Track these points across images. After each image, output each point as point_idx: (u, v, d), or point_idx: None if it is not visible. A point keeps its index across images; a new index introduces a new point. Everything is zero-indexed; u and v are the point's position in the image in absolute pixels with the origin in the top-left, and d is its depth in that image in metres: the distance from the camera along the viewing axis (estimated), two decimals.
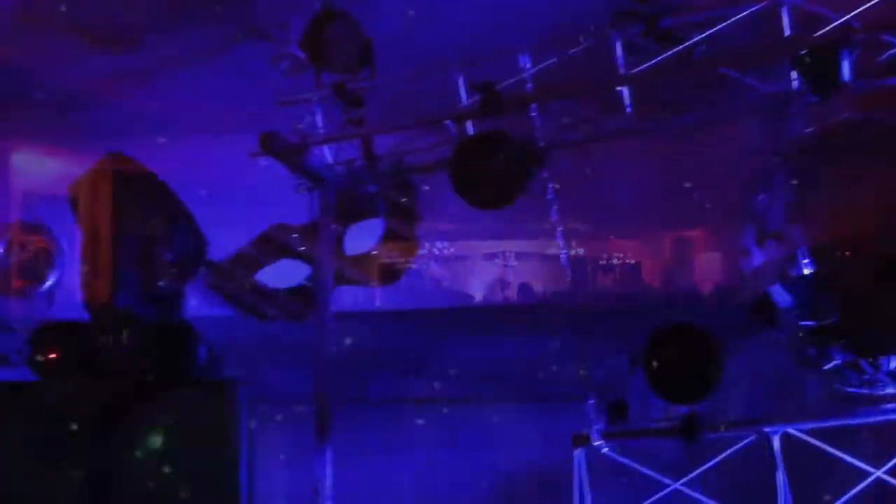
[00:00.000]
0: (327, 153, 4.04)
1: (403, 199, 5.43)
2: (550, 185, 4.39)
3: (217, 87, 5.37)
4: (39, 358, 3.54)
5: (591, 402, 4.61)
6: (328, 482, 3.74)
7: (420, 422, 7.38)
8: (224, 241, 5.55)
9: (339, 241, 5.32)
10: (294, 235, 5.51)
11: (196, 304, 3.85)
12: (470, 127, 3.67)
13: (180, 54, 5.18)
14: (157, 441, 3.37)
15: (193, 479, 3.37)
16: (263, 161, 4.54)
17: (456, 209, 5.51)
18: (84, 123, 5.58)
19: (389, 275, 5.53)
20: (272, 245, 5.60)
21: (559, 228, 4.56)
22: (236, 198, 5.53)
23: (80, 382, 3.50)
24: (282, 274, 5.57)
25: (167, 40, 5.08)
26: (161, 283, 3.71)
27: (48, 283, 5.07)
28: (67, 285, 4.81)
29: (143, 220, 3.63)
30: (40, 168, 5.56)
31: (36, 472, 3.36)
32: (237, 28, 4.96)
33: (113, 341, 3.50)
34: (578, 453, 4.67)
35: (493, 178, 3.49)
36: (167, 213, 3.72)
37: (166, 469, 3.36)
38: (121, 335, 3.51)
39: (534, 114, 3.72)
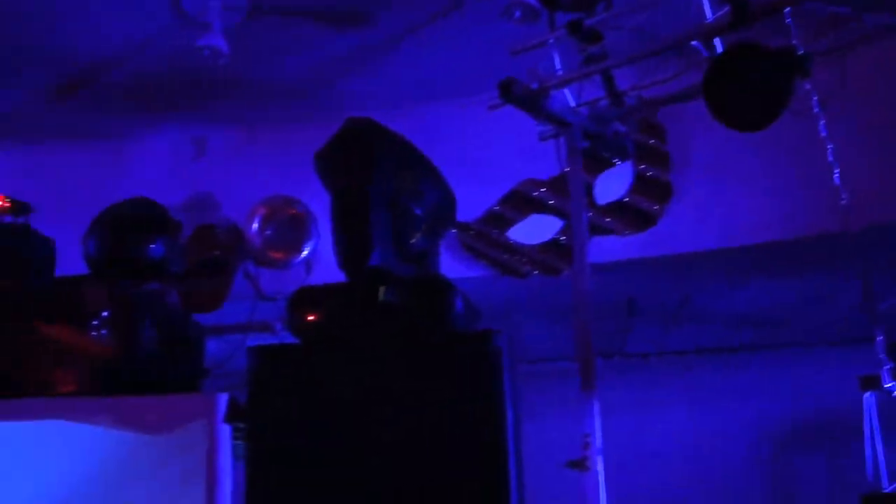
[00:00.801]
0: (569, 96, 3.89)
1: (652, 140, 5.21)
2: (815, 98, 4.06)
3: (448, 53, 5.35)
4: (299, 321, 3.58)
5: (880, 339, 4.26)
6: (597, 435, 3.59)
7: (683, 373, 7.15)
8: (472, 203, 5.55)
9: (590, 190, 5.18)
10: (543, 189, 5.42)
11: (450, 267, 3.79)
12: (719, 45, 3.41)
13: (408, 26, 5.19)
14: (419, 395, 3.33)
15: (457, 434, 3.29)
16: (504, 118, 4.46)
17: (709, 146, 5.24)
18: (324, 104, 5.70)
19: (644, 221, 5.33)
20: (522, 201, 5.54)
21: (829, 146, 4.18)
22: (479, 159, 5.49)
23: (340, 343, 3.50)
24: (534, 229, 5.51)
25: (393, 15, 5.11)
26: (413, 240, 3.69)
27: (305, 252, 5.23)
28: (324, 252, 4.92)
29: (392, 176, 3.61)
30: (286, 147, 5.74)
31: (302, 435, 3.41)
32: None
33: (370, 300, 3.49)
34: (868, 397, 4.38)
35: (751, 95, 3.21)
36: (414, 168, 3.70)
37: (430, 425, 3.31)
38: (377, 294, 3.50)
39: (788, 20, 3.45)
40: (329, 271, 3.77)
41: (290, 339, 3.68)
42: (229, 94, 5.92)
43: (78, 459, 3.64)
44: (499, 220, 5.60)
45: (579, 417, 3.60)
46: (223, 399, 3.56)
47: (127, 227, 4.15)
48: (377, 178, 3.58)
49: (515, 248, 5.54)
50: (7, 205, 4.48)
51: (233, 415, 3.55)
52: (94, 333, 3.81)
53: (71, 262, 4.27)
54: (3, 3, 5.21)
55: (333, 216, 3.66)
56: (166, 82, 5.90)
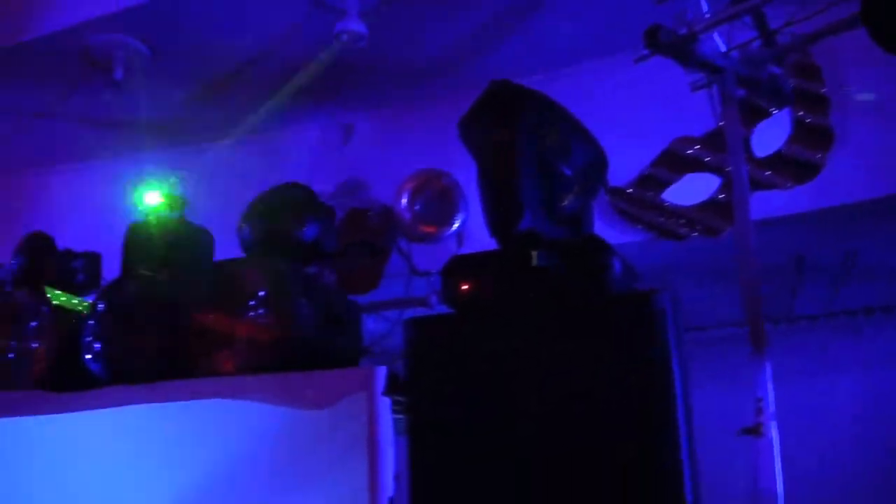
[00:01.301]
0: (719, 41, 3.70)
1: (809, 83, 4.95)
2: None
3: (591, 10, 5.21)
4: (452, 292, 3.53)
5: None
6: (770, 399, 3.41)
7: (853, 335, 6.84)
8: (624, 166, 5.40)
9: (747, 144, 4.96)
10: (697, 147, 5.23)
11: (604, 233, 3.67)
12: None
13: None
14: (579, 361, 3.23)
15: (621, 401, 3.16)
16: (653, 73, 4.31)
17: (870, 84, 4.93)
18: (466, 77, 5.65)
19: (806, 171, 5.07)
20: (676, 161, 5.36)
21: None
22: (629, 120, 5.34)
23: (495, 310, 3.43)
24: (690, 189, 5.32)
25: None
26: (565, 202, 3.58)
27: (456, 225, 5.19)
28: (475, 224, 4.88)
29: (539, 136, 3.51)
30: (432, 124, 5.72)
31: (461, 405, 3.35)
32: None
33: (523, 265, 3.41)
34: None
35: None
36: (561, 127, 3.59)
37: (592, 391, 3.20)
38: (530, 259, 3.41)
39: None
40: (481, 243, 3.71)
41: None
42: (372, 77, 5.95)
43: (240, 437, 3.70)
44: (653, 182, 5.42)
45: (746, 386, 3.45)
46: (382, 372, 3.54)
47: (279, 211, 4.19)
48: (523, 140, 3.49)
49: (672, 210, 5.36)
50: (163, 199, 4.61)
51: (392, 388, 3.53)
52: (252, 314, 3.86)
53: (229, 252, 4.35)
54: (154, 11, 5.39)
55: (480, 182, 3.60)
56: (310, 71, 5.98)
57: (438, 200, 5.30)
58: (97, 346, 4.15)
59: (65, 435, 4.13)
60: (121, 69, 5.79)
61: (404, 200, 5.31)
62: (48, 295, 4.55)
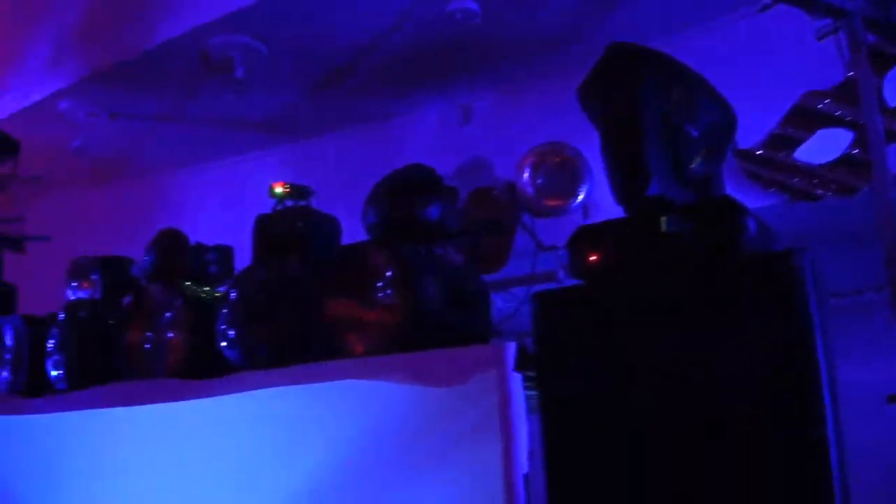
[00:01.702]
0: None
1: None
2: None
3: None
4: (580, 262, 3.45)
5: None
6: None
7: None
8: (752, 127, 5.21)
9: (880, 93, 4.73)
10: (826, 101, 5.02)
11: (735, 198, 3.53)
12: None
13: None
14: (714, 327, 3.11)
15: (762, 366, 3.03)
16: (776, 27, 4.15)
17: None
18: (582, 48, 5.56)
19: None
20: (805, 117, 5.14)
21: None
22: (753, 78, 5.13)
23: (624, 279, 3.34)
24: (822, 146, 5.10)
25: None
26: (693, 165, 3.46)
27: (580, 197, 5.10)
28: (600, 196, 4.78)
29: (663, 97, 3.40)
30: (551, 98, 5.64)
31: (593, 378, 3.28)
32: None
33: (652, 232, 3.31)
34: None
35: None
36: (686, 86, 3.46)
37: (728, 357, 3.07)
38: (659, 224, 3.30)
39: None
40: (608, 213, 3.61)
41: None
42: (488, 55, 5.90)
43: (372, 416, 3.71)
44: (783, 141, 5.22)
45: (886, 354, 3.27)
46: (512, 348, 3.50)
47: (402, 192, 4.19)
48: (647, 102, 3.38)
49: (805, 170, 5.15)
50: (288, 190, 4.69)
51: (522, 363, 3.48)
52: (380, 295, 3.87)
53: (356, 239, 4.37)
54: (268, 9, 5.46)
55: (604, 149, 3.50)
56: (424, 55, 5.97)
57: (561, 173, 5.21)
58: (231, 333, 4.25)
59: (202, 420, 4.24)
60: (241, 68, 5.90)
61: (526, 175, 5.24)
62: (181, 287, 4.68)
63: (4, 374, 5.43)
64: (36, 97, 7.00)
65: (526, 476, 3.37)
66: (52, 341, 5.16)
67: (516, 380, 3.46)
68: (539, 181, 5.18)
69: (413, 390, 3.60)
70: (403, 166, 4.36)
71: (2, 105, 7.42)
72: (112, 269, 5.42)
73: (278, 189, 4.68)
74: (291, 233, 4.47)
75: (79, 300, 5.35)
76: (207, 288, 4.72)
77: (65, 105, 6.86)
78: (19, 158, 7.11)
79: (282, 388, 3.97)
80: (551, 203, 5.19)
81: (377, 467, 3.65)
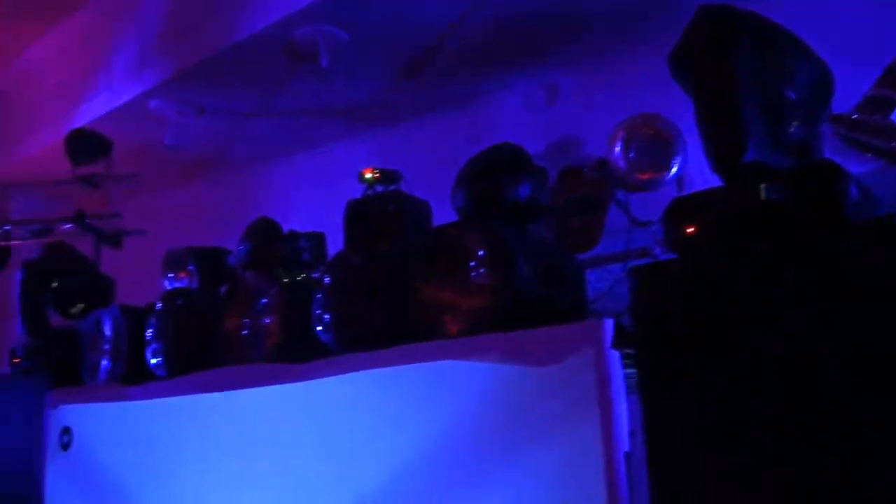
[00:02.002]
0: None
1: None
2: None
3: None
4: (676, 235, 3.36)
5: None
6: None
7: None
8: (845, 91, 5.02)
9: None
10: None
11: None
12: None
13: None
14: (819, 297, 2.98)
15: (872, 340, 2.86)
16: None
17: None
18: (668, 19, 5.43)
19: None
20: None
21: None
22: (846, 40, 4.93)
23: (723, 251, 3.24)
24: None
25: None
26: (791, 129, 3.34)
27: (674, 169, 4.97)
28: (696, 168, 4.66)
29: (757, 60, 3.28)
30: (639, 71, 5.54)
31: (693, 353, 3.17)
32: None
33: (751, 200, 3.20)
34: None
35: None
36: (780, 46, 3.34)
37: (837, 328, 2.93)
38: (758, 192, 3.20)
39: None
40: (704, 185, 3.50)
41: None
42: (570, 31, 5.82)
43: (467, 397, 3.67)
44: (879, 103, 5.00)
45: None
46: (608, 325, 3.43)
47: (491, 171, 4.15)
48: (741, 65, 3.27)
49: None
50: (377, 175, 4.69)
51: (619, 340, 3.41)
52: (473, 275, 3.83)
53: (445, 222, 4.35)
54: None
55: (698, 117, 3.40)
56: (504, 35, 5.92)
57: (653, 145, 5.08)
58: (326, 317, 4.27)
59: (298, 403, 4.29)
60: (326, 57, 5.93)
61: (617, 149, 5.12)
62: (276, 274, 4.73)
63: (104, 362, 5.58)
64: (126, 97, 7.17)
65: (627, 454, 3.31)
66: (151, 330, 5.28)
67: (614, 357, 3.39)
68: (631, 155, 5.06)
69: (509, 370, 3.55)
70: (490, 146, 4.31)
71: (94, 106, 7.62)
72: (207, 259, 5.52)
73: (368, 175, 4.68)
74: (383, 216, 4.47)
75: (176, 289, 5.46)
76: (302, 274, 4.75)
77: (154, 104, 7.02)
78: (112, 157, 7.28)
79: (376, 371, 3.98)
80: (644, 177, 5.06)
81: (474, 448, 3.62)
